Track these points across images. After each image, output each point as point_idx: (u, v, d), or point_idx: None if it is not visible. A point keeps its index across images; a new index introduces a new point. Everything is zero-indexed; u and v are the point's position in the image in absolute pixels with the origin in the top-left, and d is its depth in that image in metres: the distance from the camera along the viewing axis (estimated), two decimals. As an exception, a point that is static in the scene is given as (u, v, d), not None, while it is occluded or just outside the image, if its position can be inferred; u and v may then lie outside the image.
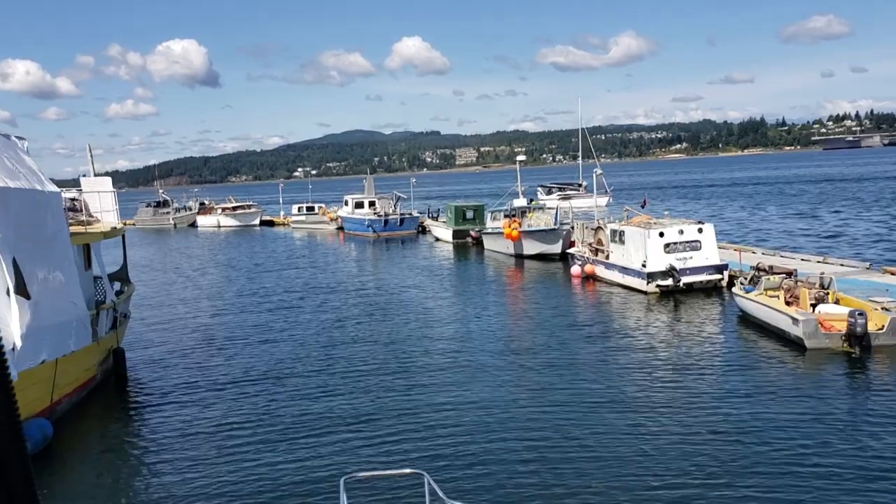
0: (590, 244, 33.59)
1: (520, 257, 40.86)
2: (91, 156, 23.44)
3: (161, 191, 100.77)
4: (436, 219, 58.72)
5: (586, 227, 36.73)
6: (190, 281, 40.05)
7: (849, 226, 48.43)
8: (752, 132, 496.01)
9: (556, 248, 38.99)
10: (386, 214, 62.14)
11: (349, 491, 7.52)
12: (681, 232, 28.25)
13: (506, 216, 43.96)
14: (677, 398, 16.16)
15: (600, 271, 31.82)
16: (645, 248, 28.20)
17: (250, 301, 32.77)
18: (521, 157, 47.86)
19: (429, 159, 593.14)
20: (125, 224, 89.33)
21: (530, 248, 40.17)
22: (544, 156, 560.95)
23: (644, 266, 28.18)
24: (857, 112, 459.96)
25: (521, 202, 44.40)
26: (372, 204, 65.91)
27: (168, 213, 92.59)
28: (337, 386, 18.29)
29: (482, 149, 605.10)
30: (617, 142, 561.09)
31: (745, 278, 23.89)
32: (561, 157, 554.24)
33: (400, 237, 59.46)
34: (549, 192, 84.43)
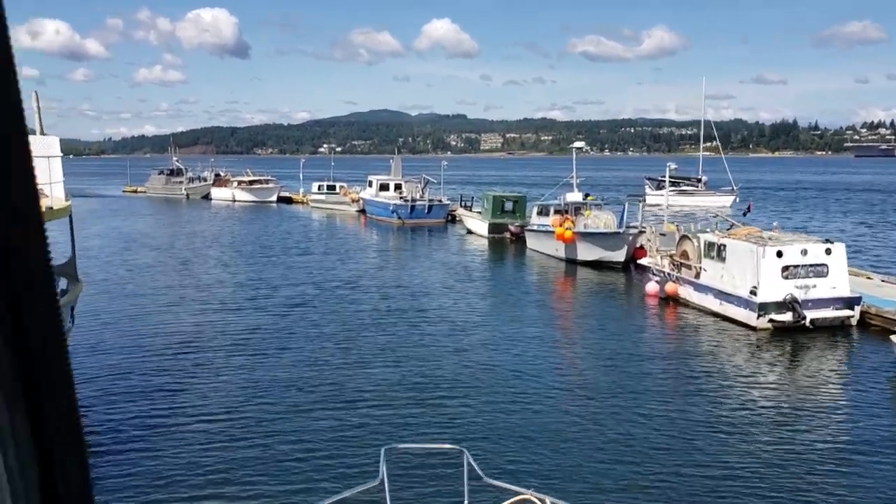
0: (670, 256, 27.12)
1: (572, 263, 34.46)
2: (38, 108, 17.18)
3: (175, 158, 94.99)
4: (469, 208, 52.25)
5: (660, 233, 30.28)
6: (183, 266, 34.04)
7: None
8: (784, 134, 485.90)
9: (619, 255, 32.57)
10: (413, 200, 55.79)
11: (389, 461, 7.22)
12: (804, 252, 21.78)
13: (556, 212, 37.55)
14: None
15: (686, 293, 25.38)
16: (756, 269, 21.75)
17: (249, 296, 26.94)
18: (578, 144, 41.06)
19: (453, 143, 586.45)
20: (136, 191, 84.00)
21: (586, 252, 33.73)
22: (571, 146, 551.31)
23: (754, 294, 21.76)
24: (893, 120, 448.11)
25: (575, 196, 37.80)
26: (398, 187, 59.61)
27: (181, 182, 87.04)
28: (343, 414, 14.95)
29: (508, 135, 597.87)
30: (647, 136, 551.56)
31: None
32: (588, 148, 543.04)
33: (427, 226, 53.17)
34: (660, 187, 68.31)
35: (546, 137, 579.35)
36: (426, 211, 55.03)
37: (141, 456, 12.72)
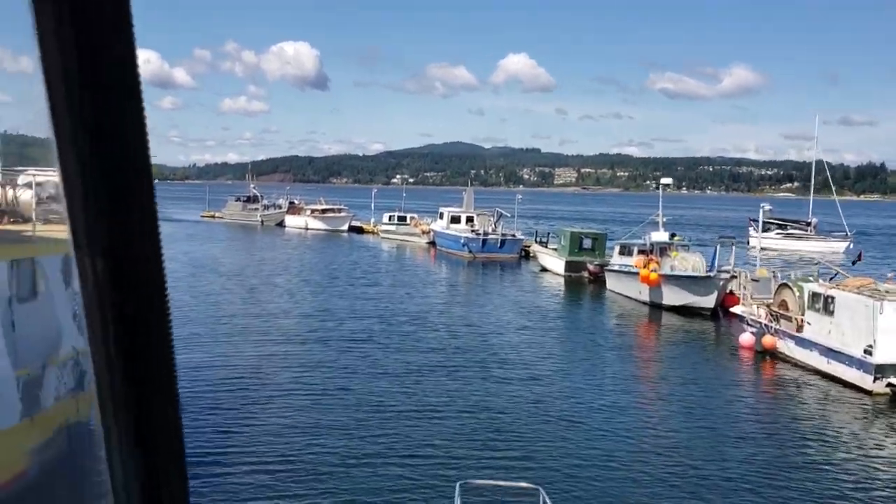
0: (767, 305, 24.72)
1: (656, 307, 32.20)
2: None
3: (252, 185, 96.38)
4: (544, 244, 50.33)
5: (752, 279, 27.89)
6: (249, 294, 33.24)
7: None
8: (871, 177, 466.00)
9: (709, 301, 30.18)
10: (485, 233, 54.26)
11: (464, 496, 7.32)
12: (929, 308, 19.23)
13: (640, 252, 35.38)
14: None
15: (787, 347, 22.93)
16: (872, 326, 19.29)
17: (313, 328, 26.01)
18: (666, 180, 38.81)
19: (526, 176, 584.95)
20: (213, 216, 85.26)
21: (673, 297, 31.43)
22: (647, 182, 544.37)
23: (869, 353, 19.28)
24: None
25: (661, 236, 35.55)
26: (470, 220, 58.22)
27: (257, 209, 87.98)
28: (410, 461, 14.05)
29: (582, 170, 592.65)
30: (725, 175, 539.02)
31: None
32: (665, 185, 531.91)
33: (499, 261, 51.48)
34: (766, 229, 60.95)
35: (622, 173, 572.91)
36: (499, 245, 53.40)
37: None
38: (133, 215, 0.66)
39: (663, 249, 34.55)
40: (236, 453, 14.16)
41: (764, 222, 61.79)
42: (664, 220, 36.78)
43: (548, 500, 7.18)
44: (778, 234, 63.23)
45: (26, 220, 13.76)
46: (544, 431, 16.12)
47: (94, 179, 0.63)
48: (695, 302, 30.65)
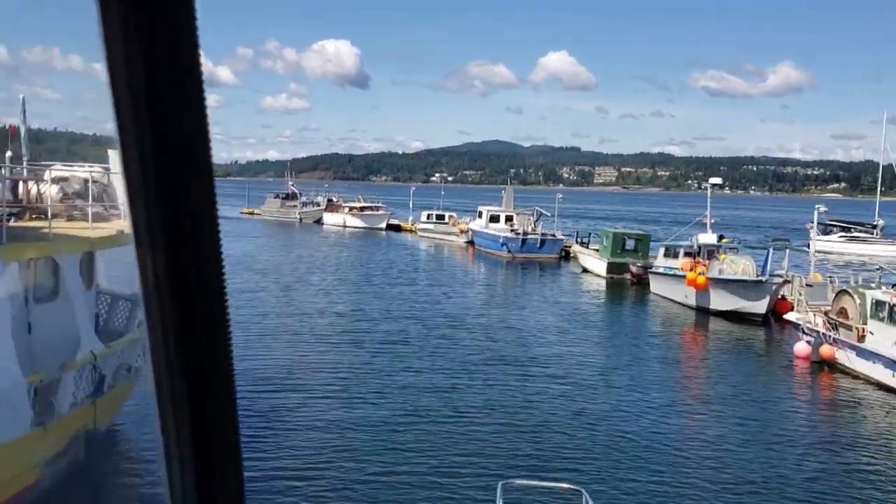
0: (825, 313, 23.33)
1: (703, 312, 30.87)
2: (23, 111, 15.75)
3: (291, 182, 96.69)
4: (586, 244, 49.06)
5: (807, 284, 26.48)
6: (283, 292, 32.70)
7: None
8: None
9: (760, 306, 28.77)
10: (524, 233, 53.17)
11: (506, 496, 7.19)
12: None
13: (686, 254, 34.04)
14: None
15: (847, 358, 21.56)
16: (945, 338, 17.91)
17: (348, 329, 25.46)
18: (715, 180, 37.28)
19: (566, 175, 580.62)
20: (253, 213, 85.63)
21: (721, 302, 30.08)
22: (689, 182, 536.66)
23: (940, 367, 17.91)
24: None
25: (708, 238, 34.12)
26: (509, 219, 57.15)
27: (295, 206, 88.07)
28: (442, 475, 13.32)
29: (623, 169, 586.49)
30: (769, 174, 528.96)
31: None
32: (706, 184, 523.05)
33: (539, 261, 50.36)
34: (827, 232, 59.64)
35: (663, 173, 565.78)
36: (538, 245, 52.28)
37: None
38: (195, 215, 0.66)
39: (711, 252, 33.17)
40: (275, 453, 13.80)
41: (825, 224, 59.39)
42: (713, 221, 35.29)
43: (590, 502, 7.00)
44: (841, 237, 59.72)
45: (51, 216, 13.24)
46: (587, 438, 15.51)
47: (157, 178, 0.64)
48: (745, 307, 29.25)
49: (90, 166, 15.73)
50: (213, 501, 0.72)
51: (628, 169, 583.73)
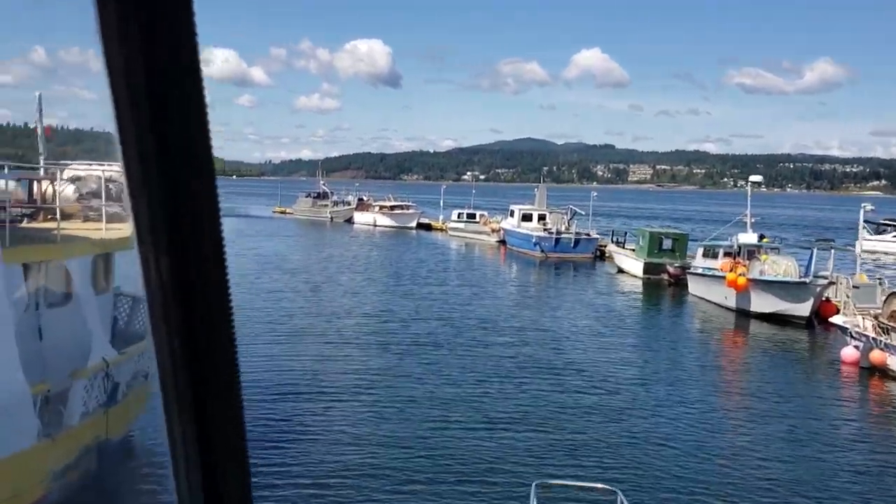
0: (875, 316, 22.15)
1: (744, 315, 29.73)
2: (39, 110, 15.24)
3: (322, 182, 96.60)
4: (621, 244, 47.94)
5: (853, 286, 25.25)
6: (312, 292, 32.17)
7: None
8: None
9: (803, 309, 27.58)
10: (558, 232, 52.17)
11: (539, 496, 7.14)
12: None
13: (726, 254, 32.88)
14: None
15: (900, 365, 20.42)
16: None
17: (376, 331, 24.85)
18: (756, 178, 35.92)
19: (600, 173, 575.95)
20: (284, 212, 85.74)
21: (763, 304, 28.92)
22: (725, 180, 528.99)
23: None
24: None
25: (749, 238, 32.89)
26: (542, 218, 56.16)
27: (326, 205, 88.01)
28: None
29: (658, 167, 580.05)
30: (806, 172, 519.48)
31: None
32: (743, 182, 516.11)
33: (573, 261, 49.38)
34: (880, 231, 58.56)
35: (698, 171, 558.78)
36: (572, 245, 51.27)
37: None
38: (196, 214, 0.66)
39: (751, 252, 31.98)
40: (305, 454, 13.54)
41: (878, 223, 56.99)
42: (752, 220, 34.02)
43: (625, 502, 6.87)
44: (894, 236, 57.80)
45: (65, 216, 12.78)
46: (624, 443, 14.88)
47: (158, 178, 0.64)
48: (787, 309, 28.07)
49: (109, 165, 15.29)
50: (219, 500, 0.73)
51: (663, 167, 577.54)
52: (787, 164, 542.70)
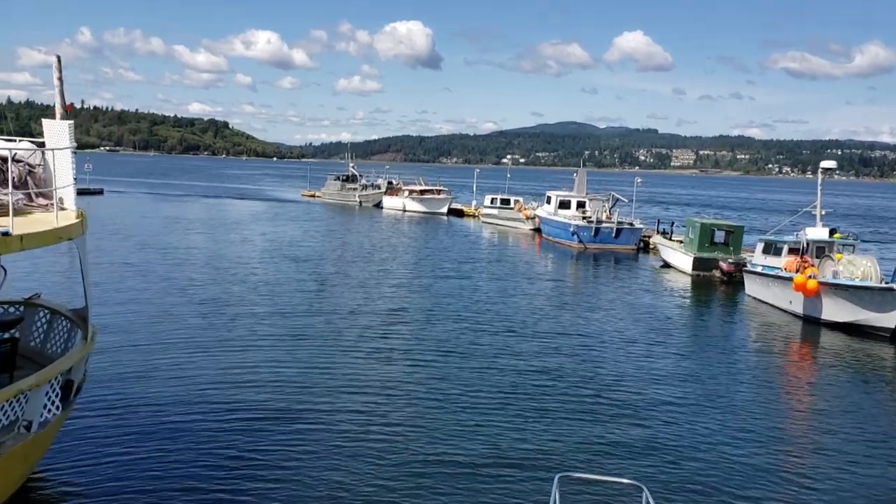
0: None
1: (813, 323, 25.61)
2: (60, 78, 11.99)
3: (351, 164, 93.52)
4: (668, 235, 43.77)
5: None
6: (320, 286, 28.68)
7: None
8: None
9: (888, 319, 23.38)
10: (598, 220, 48.23)
11: (562, 489, 7.03)
12: None
13: (790, 251, 28.69)
14: None
15: None
16: None
17: (390, 334, 21.51)
18: (828, 164, 31.52)
19: (642, 158, 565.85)
20: (313, 196, 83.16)
21: (836, 311, 24.78)
22: (769, 166, 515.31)
23: None
24: None
25: (818, 233, 28.56)
26: (581, 205, 52.25)
27: (355, 188, 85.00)
28: None
29: (701, 152, 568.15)
30: (855, 159, 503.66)
31: None
32: (788, 169, 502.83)
33: (614, 253, 45.43)
34: None
35: (742, 156, 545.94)
36: (613, 235, 47.32)
37: None
38: None
39: (821, 249, 27.76)
40: (326, 449, 12.79)
41: None
42: (823, 212, 29.58)
43: (650, 500, 6.24)
44: None
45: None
46: (661, 463, 12.37)
47: None
48: (868, 319, 23.89)
49: (19, 140, 11.96)
50: None
51: (706, 152, 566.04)
52: (834, 151, 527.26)
